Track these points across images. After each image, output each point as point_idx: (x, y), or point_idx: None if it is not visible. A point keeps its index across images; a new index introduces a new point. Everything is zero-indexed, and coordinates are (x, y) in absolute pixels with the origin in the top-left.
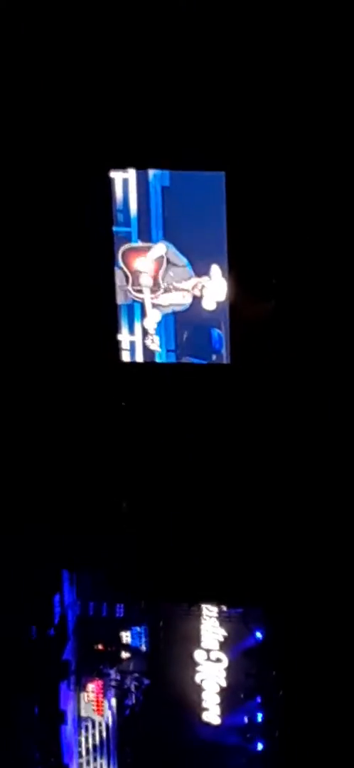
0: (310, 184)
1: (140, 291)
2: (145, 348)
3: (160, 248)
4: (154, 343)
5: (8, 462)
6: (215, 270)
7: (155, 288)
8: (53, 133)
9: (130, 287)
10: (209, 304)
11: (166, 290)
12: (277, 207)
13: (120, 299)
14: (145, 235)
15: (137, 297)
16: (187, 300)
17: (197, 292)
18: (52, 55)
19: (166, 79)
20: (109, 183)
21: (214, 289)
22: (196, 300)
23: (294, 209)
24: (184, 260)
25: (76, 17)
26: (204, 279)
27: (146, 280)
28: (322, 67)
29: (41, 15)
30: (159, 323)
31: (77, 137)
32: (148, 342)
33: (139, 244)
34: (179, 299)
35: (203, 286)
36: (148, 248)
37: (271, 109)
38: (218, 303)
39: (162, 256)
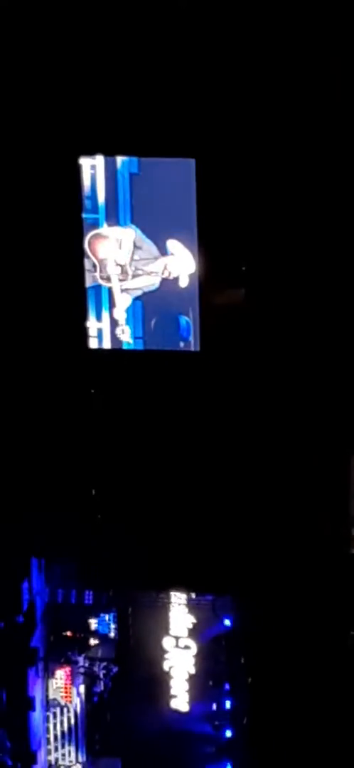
0: (280, 171)
1: (108, 279)
2: (114, 336)
3: (127, 233)
4: (125, 334)
5: None
6: (173, 245)
7: (123, 274)
8: (22, 120)
9: (97, 274)
10: (183, 281)
11: (135, 275)
12: (246, 194)
13: (88, 284)
14: (113, 220)
15: (105, 284)
16: (157, 281)
17: (166, 274)
18: (20, 43)
19: (134, 66)
20: (77, 170)
21: (181, 263)
22: (165, 282)
23: (264, 196)
24: (151, 244)
25: (48, 7)
26: (169, 258)
27: (113, 267)
28: (290, 51)
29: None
30: (127, 309)
31: (46, 124)
32: (118, 332)
33: (106, 229)
34: (149, 282)
35: (167, 266)
36: (115, 233)
37: (240, 96)
38: (190, 276)
39: (129, 241)
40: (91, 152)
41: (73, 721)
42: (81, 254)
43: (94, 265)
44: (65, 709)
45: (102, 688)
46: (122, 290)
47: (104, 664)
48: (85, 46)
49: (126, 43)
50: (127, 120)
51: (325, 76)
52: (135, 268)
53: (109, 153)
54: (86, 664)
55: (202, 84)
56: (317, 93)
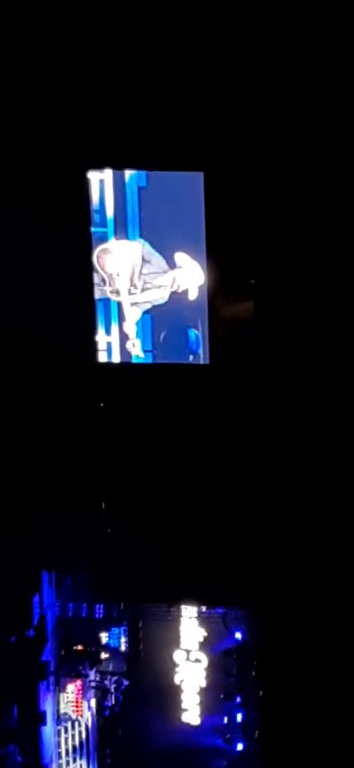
0: (289, 185)
1: (117, 293)
2: (124, 350)
3: (136, 247)
4: (136, 348)
5: None
6: (181, 257)
7: (132, 288)
8: (31, 134)
9: (106, 288)
10: (192, 293)
11: (144, 289)
12: (255, 207)
13: (96, 298)
14: (122, 234)
15: (114, 298)
16: (166, 294)
17: (176, 287)
18: (28, 56)
19: (143, 81)
20: (86, 184)
21: (190, 275)
22: (174, 296)
23: (272, 209)
24: (160, 257)
25: (53, 19)
26: (178, 271)
27: (123, 281)
28: (300, 67)
29: (17, 14)
30: (137, 323)
31: (55, 138)
32: (128, 346)
33: (115, 243)
34: (158, 295)
35: (175, 279)
36: (124, 248)
37: (249, 109)
38: (199, 289)
39: (138, 255)
40: (99, 166)
41: (84, 734)
42: (90, 268)
43: (103, 280)
44: (76, 723)
45: (113, 701)
46: (132, 304)
47: (115, 677)
48: (93, 61)
49: (134, 61)
50: (136, 134)
51: (332, 85)
52: (144, 281)
53: (118, 167)
54: (97, 678)
55: (210, 98)
56: (326, 105)
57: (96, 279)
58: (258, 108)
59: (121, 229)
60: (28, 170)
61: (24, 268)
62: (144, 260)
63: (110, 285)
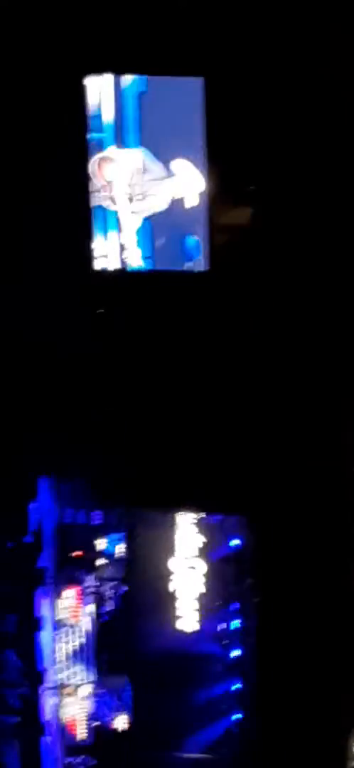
0: (290, 93)
1: (115, 201)
2: (122, 259)
3: (136, 155)
4: (135, 256)
5: None
6: (181, 164)
7: (131, 196)
8: (25, 38)
9: (104, 196)
10: (191, 200)
11: (143, 197)
12: (255, 113)
13: (93, 205)
14: (121, 142)
15: (112, 207)
16: (165, 202)
17: (175, 194)
18: None
19: None
20: (83, 89)
21: (190, 182)
22: (174, 203)
23: (273, 115)
24: (159, 165)
25: None
26: (177, 178)
27: (122, 190)
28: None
29: None
30: (137, 231)
31: (49, 43)
32: (127, 255)
33: (113, 150)
34: (157, 203)
35: (175, 186)
36: (124, 155)
37: (252, 14)
38: (199, 196)
39: (138, 163)
40: (97, 71)
41: (82, 640)
42: (86, 176)
43: (101, 187)
44: (75, 629)
45: (111, 607)
46: (131, 212)
47: (113, 584)
48: None
49: None
50: (135, 38)
51: None
52: (143, 189)
53: (117, 71)
54: (95, 584)
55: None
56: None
57: (93, 187)
58: (260, 11)
59: (120, 136)
60: (23, 75)
61: (18, 175)
62: (144, 168)
63: (108, 193)
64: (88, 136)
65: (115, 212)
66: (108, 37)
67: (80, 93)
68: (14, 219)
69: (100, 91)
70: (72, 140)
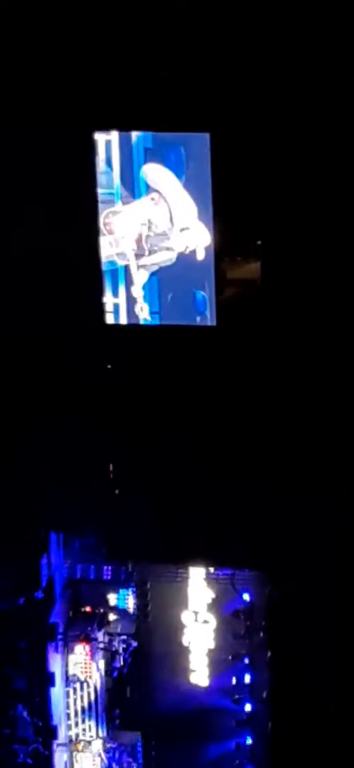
0: (296, 144)
1: (124, 256)
2: (131, 313)
3: (143, 209)
4: (143, 311)
5: None
6: (188, 219)
7: (140, 251)
8: (38, 95)
9: (113, 251)
10: (199, 254)
11: (151, 252)
12: (261, 167)
13: (104, 262)
14: (129, 196)
15: (121, 262)
16: (173, 256)
17: (183, 248)
18: (35, 18)
19: (149, 42)
20: (92, 145)
21: (197, 237)
22: (181, 257)
23: (279, 170)
24: (167, 219)
25: None
26: (185, 232)
27: (130, 245)
28: (304, 30)
29: None
30: (144, 285)
31: (61, 99)
32: (137, 309)
33: (122, 205)
34: (165, 257)
35: (183, 240)
36: (131, 210)
37: (255, 70)
38: (206, 250)
39: (145, 217)
40: (105, 128)
41: (93, 696)
42: (96, 231)
43: (110, 243)
44: (85, 685)
45: (121, 663)
46: (139, 267)
47: (123, 639)
48: (100, 24)
49: (140, 21)
50: (141, 95)
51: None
52: (151, 244)
53: (124, 128)
54: (105, 640)
55: (216, 57)
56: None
57: (103, 242)
58: (265, 67)
59: (129, 191)
60: (35, 132)
61: (30, 231)
62: (151, 222)
63: (117, 248)
64: (99, 191)
65: (125, 266)
66: (115, 95)
67: (90, 150)
68: (27, 275)
69: (108, 148)
70: (82, 196)
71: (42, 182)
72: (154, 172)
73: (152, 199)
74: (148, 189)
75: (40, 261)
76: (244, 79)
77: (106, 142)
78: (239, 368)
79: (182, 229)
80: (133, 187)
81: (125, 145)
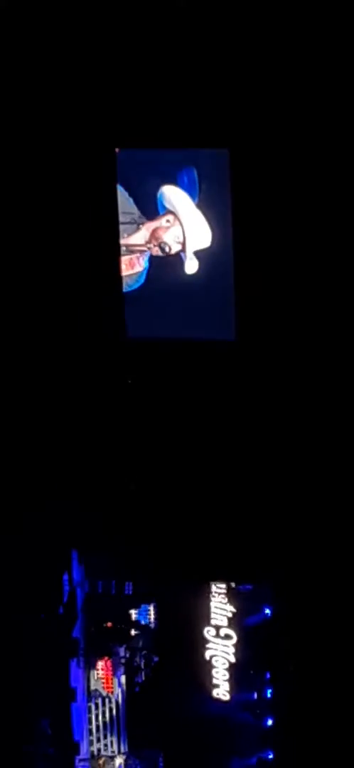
0: (315, 160)
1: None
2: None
3: (164, 223)
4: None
5: (18, 443)
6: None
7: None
8: (60, 115)
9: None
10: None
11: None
12: (281, 183)
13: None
14: (151, 213)
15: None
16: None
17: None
18: (58, 35)
19: (168, 60)
20: (114, 161)
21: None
22: (201, 271)
23: (299, 185)
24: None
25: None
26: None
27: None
28: (322, 47)
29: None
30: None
31: (82, 117)
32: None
33: (144, 220)
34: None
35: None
36: (152, 225)
37: (275, 84)
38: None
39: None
40: (126, 145)
41: (114, 711)
42: (117, 246)
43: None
44: (107, 700)
45: (143, 678)
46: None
47: (145, 654)
48: (122, 43)
49: (160, 40)
50: (164, 113)
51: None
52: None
53: (145, 146)
54: (127, 655)
55: (236, 73)
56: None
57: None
58: (284, 81)
59: (151, 207)
60: (56, 148)
61: (53, 247)
62: (164, 243)
63: (139, 264)
64: (120, 207)
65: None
66: (135, 113)
67: (111, 168)
68: (47, 290)
69: (124, 167)
70: (103, 213)
71: (62, 199)
72: (171, 194)
73: (167, 221)
74: (165, 210)
75: (63, 275)
76: (262, 95)
77: (122, 161)
78: (259, 383)
79: (195, 252)
80: (156, 202)
81: (140, 166)
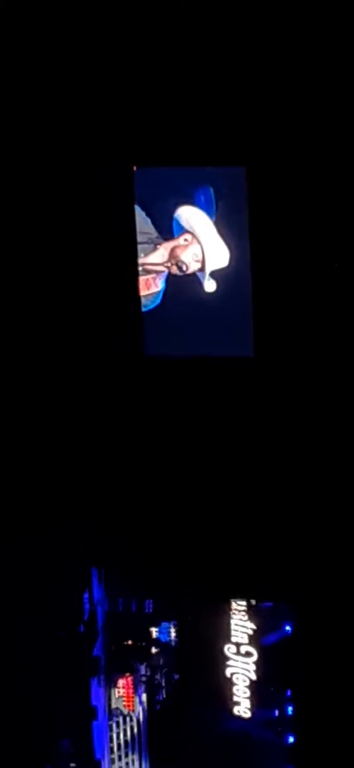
0: (334, 178)
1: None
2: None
3: (181, 243)
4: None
5: (36, 460)
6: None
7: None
8: (76, 132)
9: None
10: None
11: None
12: (299, 199)
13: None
14: (168, 232)
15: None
16: (211, 288)
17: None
18: (72, 47)
19: (183, 77)
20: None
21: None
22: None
23: (317, 200)
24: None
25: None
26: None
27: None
28: (346, 60)
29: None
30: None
31: (98, 136)
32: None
33: (161, 240)
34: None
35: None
36: (170, 245)
37: (292, 104)
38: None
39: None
40: (144, 163)
41: (135, 729)
42: (136, 266)
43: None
44: (128, 718)
45: (164, 696)
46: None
47: (166, 671)
48: (137, 57)
49: (176, 56)
50: (178, 130)
51: None
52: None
53: (161, 164)
54: (148, 673)
55: (253, 90)
56: None
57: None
58: (303, 97)
59: (167, 227)
60: (72, 169)
61: (71, 261)
62: (182, 262)
63: (155, 285)
64: (137, 226)
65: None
66: (150, 131)
67: (129, 186)
68: (69, 312)
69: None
70: (123, 231)
71: (82, 218)
72: (188, 214)
73: (185, 240)
74: (182, 230)
75: (78, 291)
76: (279, 111)
77: (138, 180)
78: (278, 399)
79: (213, 272)
80: (171, 221)
81: (156, 185)
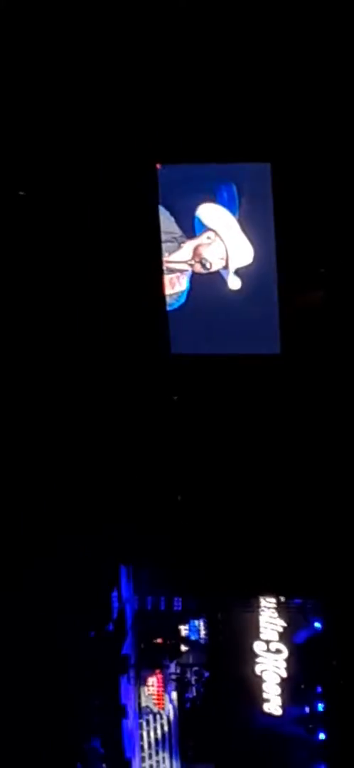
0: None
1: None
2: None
3: (204, 241)
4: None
5: (66, 461)
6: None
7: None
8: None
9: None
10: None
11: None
12: (325, 195)
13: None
14: (190, 230)
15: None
16: (237, 284)
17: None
18: (94, 46)
19: (206, 73)
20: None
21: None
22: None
23: (343, 197)
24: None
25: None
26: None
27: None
28: None
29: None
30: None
31: (124, 133)
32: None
33: (185, 239)
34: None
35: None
36: (194, 243)
37: (318, 97)
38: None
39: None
40: (167, 161)
41: (166, 727)
42: (160, 265)
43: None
44: (158, 716)
45: (194, 693)
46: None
47: (195, 669)
48: (160, 58)
49: (199, 55)
50: (203, 126)
51: None
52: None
53: (185, 161)
54: (178, 671)
55: (278, 85)
56: None
57: (168, 275)
58: (329, 90)
59: (189, 225)
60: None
61: (96, 265)
62: (205, 260)
63: (179, 284)
64: (162, 225)
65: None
66: (178, 128)
67: (153, 185)
68: (95, 308)
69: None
70: (148, 229)
71: (105, 216)
72: (210, 212)
73: (208, 237)
74: (204, 228)
75: (105, 291)
76: (304, 106)
77: (162, 180)
78: (305, 395)
79: (237, 269)
80: (193, 220)
81: (179, 183)
